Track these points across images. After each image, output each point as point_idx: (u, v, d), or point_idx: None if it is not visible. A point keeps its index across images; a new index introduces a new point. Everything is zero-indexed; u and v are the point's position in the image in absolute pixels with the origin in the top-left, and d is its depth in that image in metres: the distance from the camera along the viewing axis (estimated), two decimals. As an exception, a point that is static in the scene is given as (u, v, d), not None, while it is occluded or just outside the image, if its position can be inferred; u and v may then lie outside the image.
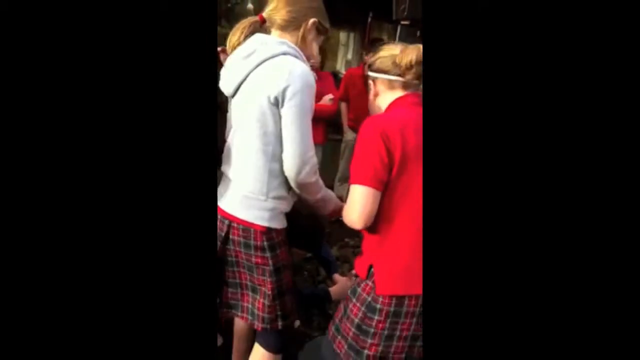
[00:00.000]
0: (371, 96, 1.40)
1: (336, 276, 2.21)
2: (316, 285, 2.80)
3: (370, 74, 1.37)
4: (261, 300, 1.46)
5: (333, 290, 1.97)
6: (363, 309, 1.29)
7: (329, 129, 3.60)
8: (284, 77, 1.26)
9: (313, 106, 1.32)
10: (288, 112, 1.28)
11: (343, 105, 3.70)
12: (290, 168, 1.30)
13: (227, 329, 1.85)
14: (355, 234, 3.19)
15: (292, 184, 1.35)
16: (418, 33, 4.36)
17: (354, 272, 2.06)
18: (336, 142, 4.78)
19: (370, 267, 1.28)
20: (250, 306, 1.52)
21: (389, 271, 1.24)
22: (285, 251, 1.47)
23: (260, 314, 1.47)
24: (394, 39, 6.54)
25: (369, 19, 7.38)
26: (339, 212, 1.50)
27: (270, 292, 1.43)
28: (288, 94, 1.26)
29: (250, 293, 1.51)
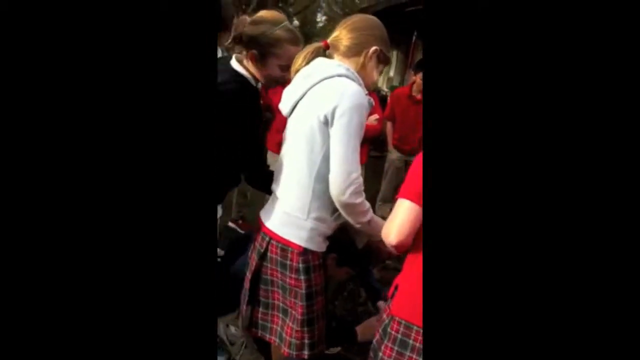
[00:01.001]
0: None
1: (381, 304, 2.15)
2: (357, 307, 2.75)
3: None
4: (290, 324, 1.44)
5: (360, 330, 1.91)
6: (381, 330, 1.26)
7: (369, 147, 3.58)
8: (336, 97, 1.26)
9: (363, 127, 1.30)
10: (336, 131, 1.27)
11: (389, 125, 3.67)
12: (334, 188, 1.28)
13: (267, 352, 1.82)
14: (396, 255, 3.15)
15: (337, 204, 1.32)
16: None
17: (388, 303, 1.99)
18: (377, 159, 4.72)
19: (396, 287, 1.25)
20: (279, 329, 1.49)
21: (404, 293, 1.20)
22: (320, 276, 1.44)
23: (288, 338, 1.44)
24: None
25: (414, 38, 7.34)
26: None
27: (300, 317, 1.41)
28: (337, 113, 1.26)
29: (280, 315, 1.49)
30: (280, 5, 13.91)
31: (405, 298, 1.20)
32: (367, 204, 1.35)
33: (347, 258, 1.82)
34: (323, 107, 1.27)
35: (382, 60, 1.43)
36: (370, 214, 1.38)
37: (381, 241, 1.51)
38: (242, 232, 3.34)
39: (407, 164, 3.77)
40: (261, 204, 3.01)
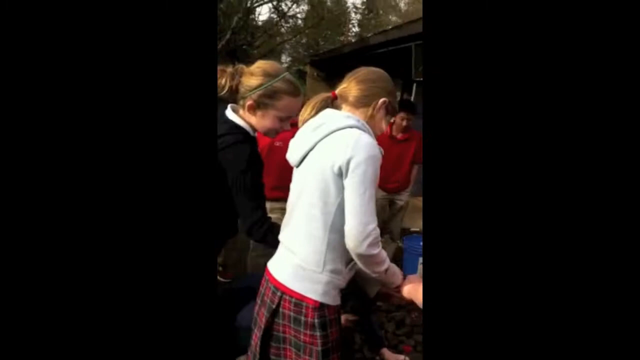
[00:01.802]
0: None
1: (385, 352, 2.08)
2: (352, 354, 2.65)
3: None
4: None
5: None
6: None
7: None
8: (349, 148, 1.26)
9: (377, 178, 1.30)
10: (351, 183, 1.25)
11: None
12: (351, 240, 1.25)
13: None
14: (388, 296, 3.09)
15: (353, 255, 1.29)
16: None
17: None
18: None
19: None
20: None
21: None
22: (336, 331, 1.38)
23: None
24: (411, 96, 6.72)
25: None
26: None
27: None
28: (352, 164, 1.24)
29: None
30: (244, 47, 14.10)
31: None
32: (384, 254, 1.32)
33: (350, 304, 1.76)
34: (337, 158, 1.26)
35: (390, 111, 1.45)
36: (387, 263, 1.35)
37: (394, 289, 1.47)
38: (224, 280, 3.22)
39: (391, 203, 3.78)
40: (247, 250, 2.93)
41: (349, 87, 1.41)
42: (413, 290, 1.38)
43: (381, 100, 1.39)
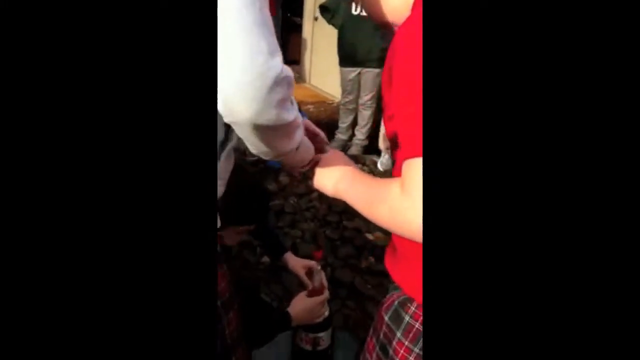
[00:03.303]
0: None
1: (288, 256, 1.64)
2: (256, 271, 2.22)
3: None
4: None
5: (293, 311, 1.42)
6: (416, 349, 0.77)
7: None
8: None
9: None
10: None
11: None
12: (236, 98, 0.59)
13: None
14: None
15: (243, 129, 0.64)
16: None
17: (316, 268, 1.47)
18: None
19: None
20: None
21: None
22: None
23: None
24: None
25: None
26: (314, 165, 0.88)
27: None
28: None
29: None
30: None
31: None
32: (299, 115, 0.72)
33: (238, 212, 1.23)
34: None
35: None
36: (301, 132, 0.76)
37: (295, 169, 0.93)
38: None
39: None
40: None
41: None
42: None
43: None
